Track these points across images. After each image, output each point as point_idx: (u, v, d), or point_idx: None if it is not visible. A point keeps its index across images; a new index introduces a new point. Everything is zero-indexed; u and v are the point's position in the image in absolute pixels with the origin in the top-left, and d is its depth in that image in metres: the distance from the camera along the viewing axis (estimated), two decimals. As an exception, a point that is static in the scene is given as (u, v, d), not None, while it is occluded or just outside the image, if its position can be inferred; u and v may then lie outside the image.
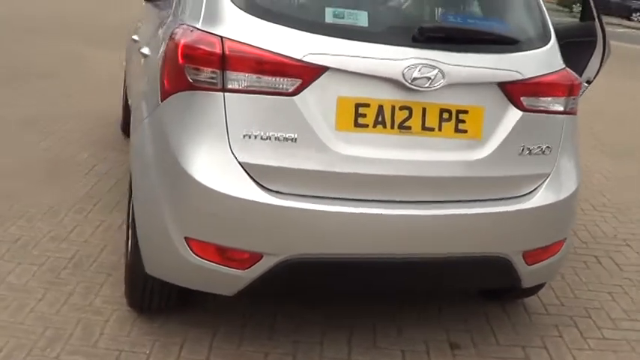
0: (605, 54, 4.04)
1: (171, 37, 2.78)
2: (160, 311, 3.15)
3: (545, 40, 2.98)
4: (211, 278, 2.72)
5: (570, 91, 2.96)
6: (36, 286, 3.29)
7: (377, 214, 2.66)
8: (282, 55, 2.55)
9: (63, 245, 3.72)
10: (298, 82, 2.54)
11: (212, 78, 2.56)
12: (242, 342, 3.06)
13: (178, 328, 3.10)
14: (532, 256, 2.99)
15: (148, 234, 2.80)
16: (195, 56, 2.59)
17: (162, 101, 2.71)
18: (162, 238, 2.70)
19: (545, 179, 2.97)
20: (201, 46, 2.58)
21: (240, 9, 2.64)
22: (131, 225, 2.98)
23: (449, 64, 2.66)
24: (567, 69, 3.02)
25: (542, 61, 2.92)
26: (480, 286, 3.34)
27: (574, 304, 3.79)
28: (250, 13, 2.63)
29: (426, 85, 2.63)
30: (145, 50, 3.35)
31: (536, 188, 2.96)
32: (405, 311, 3.42)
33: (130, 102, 4.69)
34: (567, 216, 3.10)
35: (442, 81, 2.64)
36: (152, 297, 3.01)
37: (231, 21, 2.63)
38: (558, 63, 2.99)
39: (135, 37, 4.40)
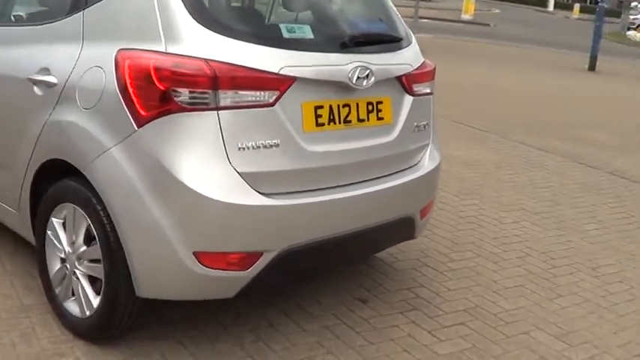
0: None
1: (125, 63, 3.01)
2: (112, 336, 3.36)
3: (411, 38, 3.83)
4: (215, 285, 3.13)
5: (433, 75, 3.88)
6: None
7: (343, 197, 3.35)
8: (263, 71, 3.05)
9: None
10: (276, 93, 3.08)
11: (205, 99, 2.94)
12: (215, 341, 3.46)
13: (145, 345, 3.38)
14: (423, 212, 3.90)
15: (147, 257, 3.06)
16: (184, 81, 2.92)
17: (139, 127, 2.97)
18: (168, 257, 3.01)
19: (427, 149, 3.85)
20: (189, 70, 2.93)
21: (207, 28, 3.02)
22: (106, 253, 3.16)
23: (374, 64, 3.40)
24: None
25: (416, 54, 3.81)
26: (394, 244, 4.12)
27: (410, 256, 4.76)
28: (217, 32, 3.03)
29: (364, 84, 3.32)
30: (50, 78, 3.36)
31: (422, 157, 3.84)
32: (305, 289, 4.05)
33: None
34: (439, 177, 4.03)
35: (372, 79, 3.36)
36: (128, 321, 3.26)
37: (205, 42, 3.00)
38: (421, 55, 3.85)
39: None
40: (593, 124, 10.62)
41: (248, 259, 3.10)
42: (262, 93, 3.04)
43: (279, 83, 3.08)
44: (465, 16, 32.36)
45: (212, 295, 3.23)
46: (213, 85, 2.93)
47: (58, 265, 3.50)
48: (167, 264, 3.03)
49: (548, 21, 45.11)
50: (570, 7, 55.73)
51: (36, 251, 3.63)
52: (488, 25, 32.45)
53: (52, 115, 3.35)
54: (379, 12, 3.85)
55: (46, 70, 3.42)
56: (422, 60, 3.83)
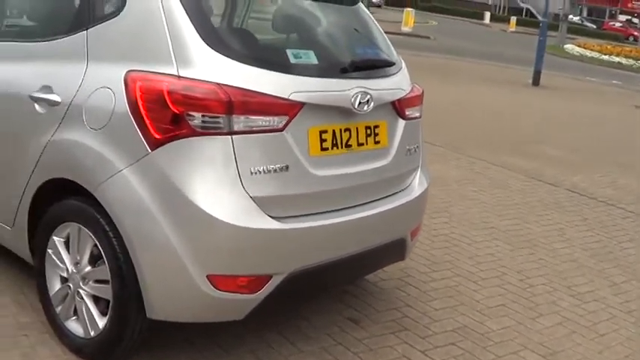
0: None
1: (136, 85, 3.07)
2: (117, 357, 3.40)
3: (401, 62, 3.98)
4: (226, 307, 3.22)
5: (422, 100, 4.03)
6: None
7: (347, 220, 3.47)
8: (274, 96, 3.15)
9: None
10: (286, 118, 3.19)
11: (218, 123, 3.03)
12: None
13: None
14: (413, 233, 4.04)
15: (160, 279, 3.12)
16: (198, 105, 3.01)
17: (152, 150, 3.04)
18: (181, 280, 3.09)
19: (417, 172, 4.00)
20: (204, 95, 3.01)
21: (218, 52, 3.11)
22: (116, 274, 3.20)
23: (373, 89, 3.53)
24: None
25: (406, 78, 3.95)
26: (386, 264, 4.25)
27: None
28: (228, 57, 3.12)
29: (365, 109, 3.44)
30: (53, 97, 3.39)
31: (413, 180, 3.99)
32: (296, 310, 4.14)
33: None
34: (427, 199, 4.18)
35: (372, 104, 3.49)
36: (135, 343, 3.32)
37: (217, 66, 3.09)
38: (410, 79, 4.00)
39: None
40: (544, 139, 10.99)
41: (258, 281, 3.20)
42: (273, 118, 3.14)
43: (288, 108, 3.18)
44: (405, 29, 32.88)
45: (222, 318, 3.30)
46: (227, 109, 3.02)
47: (58, 284, 3.53)
48: (180, 286, 3.10)
49: (485, 34, 46.19)
50: (506, 20, 57.14)
51: (34, 270, 3.66)
52: (429, 37, 33.05)
53: (56, 134, 3.37)
54: (373, 37, 3.98)
55: (47, 89, 3.43)
56: (412, 84, 3.98)
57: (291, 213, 3.27)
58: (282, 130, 3.17)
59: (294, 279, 3.29)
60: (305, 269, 3.32)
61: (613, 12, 74.36)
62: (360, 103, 3.42)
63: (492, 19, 60.77)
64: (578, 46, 38.38)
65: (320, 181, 3.35)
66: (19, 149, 3.57)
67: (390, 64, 3.86)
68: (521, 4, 71.13)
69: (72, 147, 3.31)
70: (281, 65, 3.27)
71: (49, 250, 3.52)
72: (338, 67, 3.52)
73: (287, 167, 3.20)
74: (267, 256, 3.20)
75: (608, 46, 38.99)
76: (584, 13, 74.82)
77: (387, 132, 3.71)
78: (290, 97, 3.18)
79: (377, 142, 3.65)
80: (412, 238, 4.06)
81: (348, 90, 3.40)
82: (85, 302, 3.40)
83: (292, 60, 3.33)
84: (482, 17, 60.22)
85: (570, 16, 45.12)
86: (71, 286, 3.46)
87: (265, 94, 3.12)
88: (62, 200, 3.43)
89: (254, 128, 3.10)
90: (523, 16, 65.23)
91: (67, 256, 3.47)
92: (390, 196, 3.80)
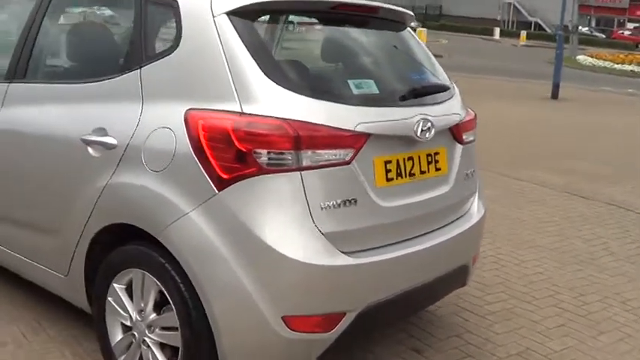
0: None
1: (198, 124, 3.00)
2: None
3: (454, 87, 3.92)
4: (299, 348, 3.13)
5: (475, 123, 3.98)
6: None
7: (416, 250, 3.40)
8: (339, 129, 3.07)
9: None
10: (353, 151, 3.11)
11: (287, 159, 2.95)
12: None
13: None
14: (474, 259, 3.96)
15: (234, 323, 3.04)
16: (265, 141, 2.93)
17: (220, 190, 2.96)
18: (256, 323, 3.00)
19: (474, 196, 3.94)
20: (271, 131, 2.94)
21: (281, 87, 3.03)
22: (185, 320, 3.12)
23: (433, 116, 3.47)
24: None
25: (460, 103, 3.88)
26: (450, 292, 4.17)
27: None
28: (292, 90, 3.05)
29: (427, 137, 3.39)
30: (109, 139, 3.31)
31: (471, 205, 3.92)
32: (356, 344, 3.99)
33: None
34: (485, 222, 4.12)
35: (433, 131, 3.43)
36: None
37: (282, 101, 3.01)
38: (463, 103, 3.96)
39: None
40: (573, 153, 10.90)
41: (331, 319, 3.11)
42: (340, 151, 3.06)
43: (355, 140, 3.11)
44: (419, 48, 32.75)
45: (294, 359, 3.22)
46: (295, 145, 2.94)
47: (120, 333, 3.44)
48: (255, 330, 3.01)
49: (497, 49, 46.07)
50: (515, 35, 57.10)
51: (94, 319, 3.57)
52: (442, 56, 32.90)
53: (113, 177, 3.28)
54: (425, 62, 3.94)
55: (102, 131, 3.35)
56: (466, 108, 3.93)
57: (361, 247, 3.19)
58: (349, 163, 3.10)
59: (366, 314, 3.21)
60: (377, 304, 3.24)
61: (621, 21, 74.20)
62: (422, 130, 3.35)
63: (502, 34, 60.63)
64: (590, 56, 38.21)
65: (387, 212, 3.28)
66: (72, 195, 3.47)
67: (446, 88, 3.81)
68: (530, 18, 71.22)
69: (132, 191, 3.22)
70: (344, 96, 3.21)
71: (110, 298, 3.43)
72: (397, 95, 3.45)
73: (355, 200, 3.12)
74: (341, 293, 3.12)
75: (620, 55, 38.79)
76: (593, 23, 74.72)
77: (446, 158, 3.65)
78: (356, 129, 3.11)
79: (438, 169, 3.59)
80: (473, 263, 4.00)
81: (411, 118, 3.34)
82: (152, 350, 3.30)
83: (355, 91, 3.27)
84: (492, 33, 60.10)
85: (580, 27, 44.94)
86: (136, 334, 3.36)
87: (332, 127, 3.04)
88: (123, 246, 3.35)
89: (321, 162, 3.02)
90: (532, 30, 65.20)
91: (130, 304, 3.37)
92: (452, 222, 3.74)
